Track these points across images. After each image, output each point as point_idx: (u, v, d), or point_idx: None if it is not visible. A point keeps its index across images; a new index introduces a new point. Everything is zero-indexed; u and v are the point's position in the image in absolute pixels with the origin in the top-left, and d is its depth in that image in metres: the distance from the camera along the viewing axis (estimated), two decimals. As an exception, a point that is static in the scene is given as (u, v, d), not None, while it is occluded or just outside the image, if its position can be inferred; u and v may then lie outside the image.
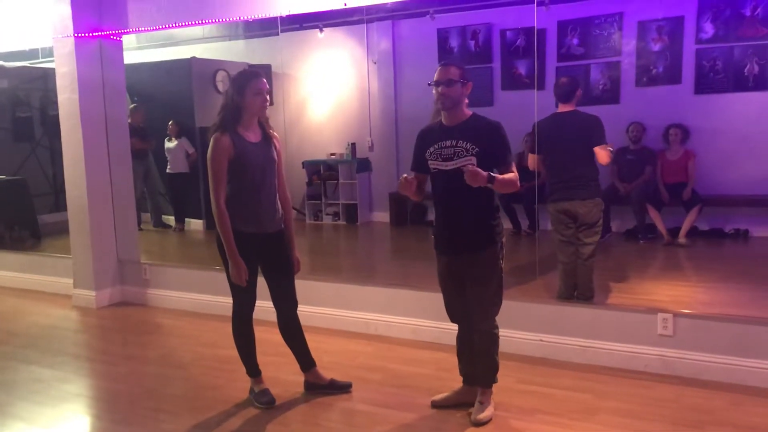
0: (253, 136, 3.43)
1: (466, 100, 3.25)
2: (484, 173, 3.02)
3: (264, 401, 3.56)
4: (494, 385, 3.38)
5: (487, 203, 3.21)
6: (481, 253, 3.22)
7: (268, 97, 3.43)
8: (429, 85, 3.20)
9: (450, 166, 3.17)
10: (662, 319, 3.81)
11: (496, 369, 3.37)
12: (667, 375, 3.75)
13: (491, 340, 3.31)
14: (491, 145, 3.16)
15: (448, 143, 3.19)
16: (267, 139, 3.50)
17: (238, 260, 3.37)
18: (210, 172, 3.35)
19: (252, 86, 3.36)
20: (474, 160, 3.12)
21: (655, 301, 4.70)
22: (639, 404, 3.41)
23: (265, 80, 3.41)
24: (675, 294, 5.05)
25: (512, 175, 3.16)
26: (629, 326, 3.91)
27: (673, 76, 7.07)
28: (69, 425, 3.50)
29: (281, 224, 3.57)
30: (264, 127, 3.51)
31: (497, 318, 3.34)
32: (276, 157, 3.51)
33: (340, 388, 3.70)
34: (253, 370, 3.64)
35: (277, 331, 3.67)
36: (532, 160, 4.65)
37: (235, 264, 3.37)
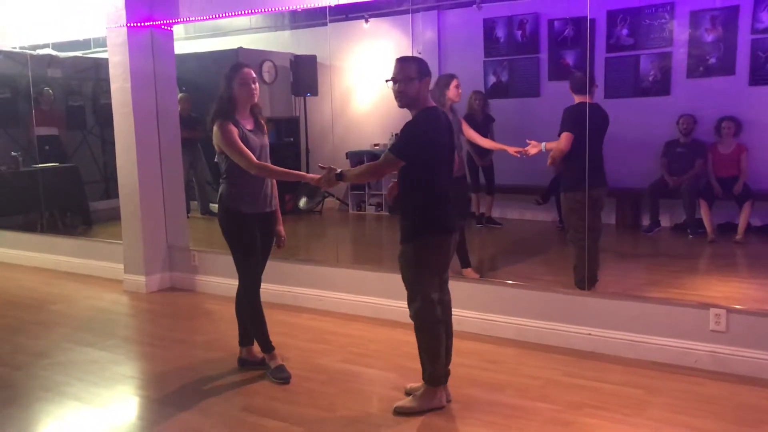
0: (248, 123, 3.68)
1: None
2: (330, 176, 3.30)
3: (281, 377, 3.72)
4: (542, 377, 3.34)
5: (405, 199, 3.27)
6: (402, 244, 3.29)
7: (256, 86, 3.63)
8: (387, 81, 3.23)
9: None
10: (715, 315, 3.73)
11: (428, 366, 3.34)
12: (719, 372, 3.67)
13: (417, 327, 3.35)
14: None
15: None
16: (259, 126, 3.74)
17: (303, 175, 3.62)
18: (229, 150, 3.54)
19: (237, 78, 3.60)
20: None
21: (706, 297, 4.59)
22: (691, 401, 3.35)
23: (250, 71, 3.62)
24: (726, 290, 4.94)
25: (363, 166, 3.41)
26: (680, 321, 3.84)
27: (726, 67, 6.87)
28: (122, 406, 3.60)
29: (273, 205, 3.81)
30: (256, 115, 3.73)
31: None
32: (266, 143, 3.78)
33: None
34: (267, 345, 3.82)
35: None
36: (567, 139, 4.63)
37: (308, 177, 3.54)
